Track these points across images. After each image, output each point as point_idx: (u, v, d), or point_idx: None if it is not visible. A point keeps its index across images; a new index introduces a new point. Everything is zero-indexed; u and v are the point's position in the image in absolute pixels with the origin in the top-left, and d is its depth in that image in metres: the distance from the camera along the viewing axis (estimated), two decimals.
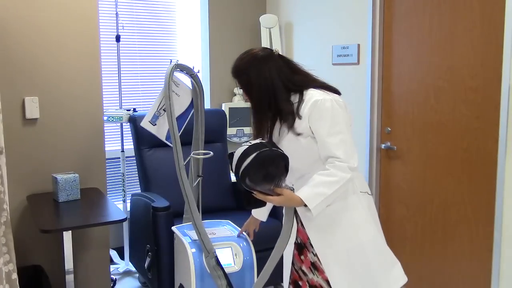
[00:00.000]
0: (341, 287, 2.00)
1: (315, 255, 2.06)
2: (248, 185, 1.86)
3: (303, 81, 2.03)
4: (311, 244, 2.07)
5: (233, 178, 3.71)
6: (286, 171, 1.92)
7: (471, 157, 2.87)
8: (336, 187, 1.90)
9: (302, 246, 2.12)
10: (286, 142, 1.99)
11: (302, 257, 2.13)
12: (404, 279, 2.11)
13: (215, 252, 2.45)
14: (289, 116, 1.97)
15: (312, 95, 1.97)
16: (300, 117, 1.95)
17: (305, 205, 1.89)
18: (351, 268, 2.01)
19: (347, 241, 2.02)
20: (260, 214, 2.42)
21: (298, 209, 2.01)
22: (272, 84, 1.97)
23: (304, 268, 2.13)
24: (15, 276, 2.17)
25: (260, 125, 2.02)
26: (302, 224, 2.08)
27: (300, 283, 2.15)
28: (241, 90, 2.05)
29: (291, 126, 1.96)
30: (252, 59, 2.01)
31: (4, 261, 2.11)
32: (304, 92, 1.99)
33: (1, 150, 2.16)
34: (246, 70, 2.00)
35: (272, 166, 1.86)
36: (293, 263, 2.17)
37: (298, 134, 1.96)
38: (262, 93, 1.98)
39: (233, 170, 1.89)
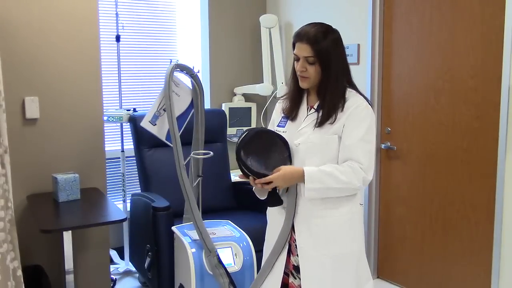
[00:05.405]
0: None
1: None
2: (243, 159, 1.90)
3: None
4: (296, 246, 2.04)
5: (233, 178, 3.71)
6: (288, 150, 1.97)
7: (471, 157, 2.87)
8: (340, 187, 1.90)
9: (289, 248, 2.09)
10: (311, 134, 1.96)
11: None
12: None
13: (216, 251, 2.45)
14: (339, 103, 1.94)
15: (357, 98, 1.96)
16: (342, 111, 1.93)
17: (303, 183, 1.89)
18: (329, 276, 1.98)
19: (338, 248, 1.99)
20: None
21: (298, 185, 1.98)
22: (347, 65, 2.00)
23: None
24: (19, 273, 2.18)
25: (329, 96, 1.94)
26: (292, 226, 2.05)
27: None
28: (309, 58, 1.91)
29: (330, 117, 1.93)
30: (332, 32, 1.96)
31: (10, 258, 2.11)
32: (347, 89, 1.98)
33: (6, 150, 2.16)
34: (327, 38, 1.92)
35: (265, 136, 1.96)
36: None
37: (329, 130, 1.94)
38: (338, 67, 1.95)
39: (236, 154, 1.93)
